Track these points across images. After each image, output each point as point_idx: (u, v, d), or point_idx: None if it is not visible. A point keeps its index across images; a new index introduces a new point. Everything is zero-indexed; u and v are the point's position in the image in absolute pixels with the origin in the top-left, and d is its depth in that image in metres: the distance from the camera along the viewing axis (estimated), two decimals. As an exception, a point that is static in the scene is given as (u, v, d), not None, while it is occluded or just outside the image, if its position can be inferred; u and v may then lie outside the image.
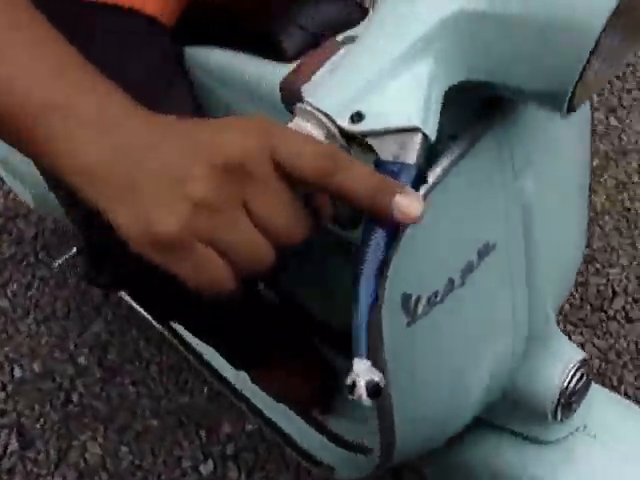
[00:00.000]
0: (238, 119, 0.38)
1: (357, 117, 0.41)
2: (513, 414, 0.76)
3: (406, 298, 0.55)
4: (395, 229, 0.37)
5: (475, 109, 0.52)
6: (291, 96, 0.45)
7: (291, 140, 0.37)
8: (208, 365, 1.19)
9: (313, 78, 0.44)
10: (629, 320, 1.31)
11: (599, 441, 0.77)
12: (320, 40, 0.62)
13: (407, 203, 0.36)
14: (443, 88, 0.43)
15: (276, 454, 1.21)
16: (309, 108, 0.41)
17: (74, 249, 1.21)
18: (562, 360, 0.70)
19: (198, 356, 1.21)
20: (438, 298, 0.56)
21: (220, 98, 0.71)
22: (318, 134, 0.41)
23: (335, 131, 0.41)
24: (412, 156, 0.39)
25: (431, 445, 0.74)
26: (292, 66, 0.61)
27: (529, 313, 0.66)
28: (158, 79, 0.67)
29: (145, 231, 0.36)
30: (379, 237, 0.37)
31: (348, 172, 0.36)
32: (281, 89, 0.45)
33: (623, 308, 1.32)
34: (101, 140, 0.38)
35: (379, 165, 0.39)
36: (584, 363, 0.72)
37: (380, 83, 0.41)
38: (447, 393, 0.66)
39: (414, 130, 0.40)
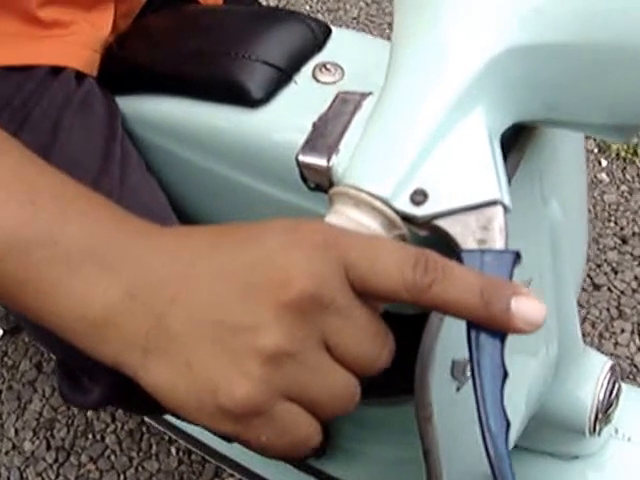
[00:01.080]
0: (284, 232, 0.29)
1: (420, 197, 0.32)
2: (545, 435, 0.71)
3: (455, 364, 0.48)
4: (503, 336, 0.29)
5: (507, 138, 0.44)
6: (318, 175, 0.35)
7: (367, 250, 0.28)
8: (175, 428, 1.09)
9: (342, 149, 0.35)
10: (596, 287, 1.29)
11: (634, 443, 0.73)
12: (290, 74, 0.53)
13: (529, 306, 0.28)
14: (499, 139, 0.35)
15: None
16: (355, 193, 0.32)
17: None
18: (593, 374, 0.66)
19: (162, 420, 1.10)
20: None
21: (167, 153, 0.60)
22: (372, 225, 0.32)
23: (395, 218, 0.32)
24: (501, 238, 0.31)
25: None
26: (265, 113, 0.52)
27: (559, 335, 0.61)
28: (100, 139, 0.56)
29: (206, 402, 0.27)
30: (493, 350, 0.29)
31: (448, 279, 0.28)
32: (300, 164, 0.36)
33: (588, 275, 1.30)
34: (108, 278, 0.29)
35: (464, 258, 0.31)
36: (614, 370, 0.67)
37: (434, 148, 0.33)
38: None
39: (493, 204, 0.31)
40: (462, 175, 0.32)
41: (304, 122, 0.52)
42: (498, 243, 0.31)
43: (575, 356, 0.64)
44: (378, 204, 0.32)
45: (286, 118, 0.52)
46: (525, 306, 0.28)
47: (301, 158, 0.36)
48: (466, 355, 0.49)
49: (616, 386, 0.67)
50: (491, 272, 0.30)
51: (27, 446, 1.21)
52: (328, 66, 0.53)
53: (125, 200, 0.55)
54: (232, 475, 1.14)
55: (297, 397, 0.27)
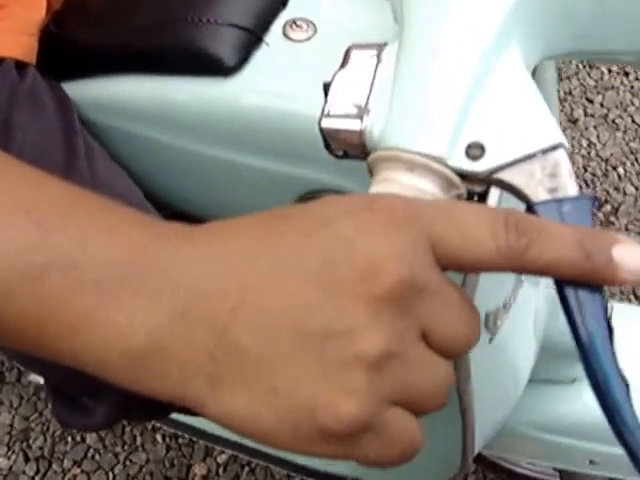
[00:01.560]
0: (355, 212, 0.25)
1: (476, 150, 0.29)
2: (546, 365, 0.72)
3: (487, 316, 0.46)
4: (601, 290, 0.27)
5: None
6: (348, 141, 0.32)
7: (452, 219, 0.25)
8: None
9: (372, 109, 0.32)
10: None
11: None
12: (260, 36, 0.49)
13: (631, 254, 0.26)
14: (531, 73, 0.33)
15: (260, 472, 1.11)
16: (409, 156, 0.29)
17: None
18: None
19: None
20: (506, 307, 0.49)
21: (131, 137, 0.55)
22: (431, 188, 0.29)
23: (454, 178, 0.30)
24: (572, 184, 0.29)
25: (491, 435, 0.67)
26: (240, 80, 0.48)
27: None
28: (58, 133, 0.51)
29: (303, 427, 0.24)
30: (596, 307, 0.27)
31: (545, 238, 0.25)
32: (324, 131, 0.32)
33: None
34: (149, 299, 0.25)
35: (538, 210, 0.28)
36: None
37: (478, 94, 0.30)
38: (513, 389, 0.60)
39: (556, 147, 0.29)
40: (517, 120, 0.30)
41: (283, 85, 0.49)
42: (571, 189, 0.28)
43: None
44: (435, 165, 0.29)
45: (263, 83, 0.49)
46: (627, 254, 0.26)
47: (325, 124, 0.32)
48: (496, 305, 0.48)
49: (609, 306, 0.68)
50: (573, 222, 0.28)
51: (3, 463, 1.15)
52: (299, 22, 0.49)
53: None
54: (223, 452, 1.12)
55: (402, 399, 0.25)
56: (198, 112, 0.51)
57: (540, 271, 0.26)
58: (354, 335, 0.24)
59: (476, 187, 0.31)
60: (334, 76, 0.34)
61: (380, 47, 0.34)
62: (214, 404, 0.24)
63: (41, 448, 1.16)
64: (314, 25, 0.49)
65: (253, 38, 0.48)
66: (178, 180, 0.58)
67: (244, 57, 0.48)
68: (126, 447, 1.15)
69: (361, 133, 0.32)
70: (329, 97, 0.33)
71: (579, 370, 0.72)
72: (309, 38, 0.48)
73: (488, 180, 0.30)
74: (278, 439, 0.24)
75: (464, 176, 0.30)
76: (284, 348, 0.24)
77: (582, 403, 0.75)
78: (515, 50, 0.32)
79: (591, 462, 0.78)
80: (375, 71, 0.33)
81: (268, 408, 0.24)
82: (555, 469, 0.98)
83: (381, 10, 0.48)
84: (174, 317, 0.24)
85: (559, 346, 0.68)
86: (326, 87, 0.35)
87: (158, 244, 0.26)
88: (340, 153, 0.34)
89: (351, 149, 0.33)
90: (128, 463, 1.14)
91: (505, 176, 0.29)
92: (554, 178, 0.29)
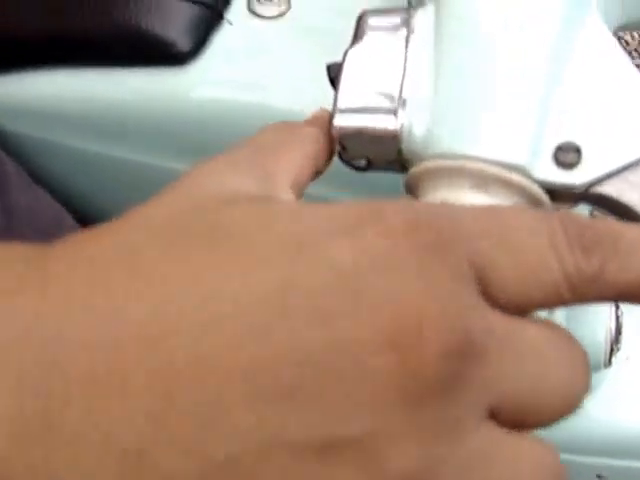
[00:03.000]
0: (358, 233, 0.15)
1: (570, 155, 0.20)
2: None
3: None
4: None
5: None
6: (376, 146, 0.22)
7: (500, 235, 0.16)
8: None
9: (409, 100, 0.22)
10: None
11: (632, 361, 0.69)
12: (221, 12, 0.39)
13: None
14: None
15: None
16: (481, 166, 0.20)
17: None
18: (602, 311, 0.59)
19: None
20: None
21: (52, 146, 0.45)
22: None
23: (540, 194, 0.21)
24: None
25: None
26: (196, 69, 0.38)
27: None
28: None
29: None
30: None
31: (621, 253, 0.17)
32: (341, 133, 0.22)
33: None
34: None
35: None
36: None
37: (562, 79, 0.21)
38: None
39: None
40: (619, 111, 0.21)
41: (251, 74, 0.39)
42: None
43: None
44: (517, 177, 0.20)
45: (226, 72, 0.39)
46: None
47: (341, 122, 0.23)
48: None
49: (619, 312, 0.62)
50: None
51: None
52: (267, -7, 0.39)
53: (17, 230, 0.40)
54: None
55: None
56: (143, 114, 0.40)
57: (615, 298, 0.17)
58: (372, 446, 0.14)
59: (564, 205, 0.22)
60: (346, 54, 0.24)
61: (408, 12, 0.24)
62: None
63: None
64: (287, -3, 0.39)
65: (212, 15, 0.38)
66: (120, 198, 0.47)
67: (201, 40, 0.38)
68: None
69: (396, 134, 0.22)
70: (341, 84, 0.23)
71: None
72: (282, 14, 0.39)
73: (585, 196, 0.21)
74: None
75: (551, 191, 0.21)
76: (272, 465, 0.14)
77: (587, 418, 0.69)
78: (597, 17, 0.23)
79: (598, 476, 0.74)
80: (407, 45, 0.23)
81: None
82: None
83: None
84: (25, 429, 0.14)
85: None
86: (332, 71, 0.25)
87: None
88: (362, 164, 0.24)
89: (379, 157, 0.23)
90: None
91: (609, 190, 0.20)
92: None
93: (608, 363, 0.61)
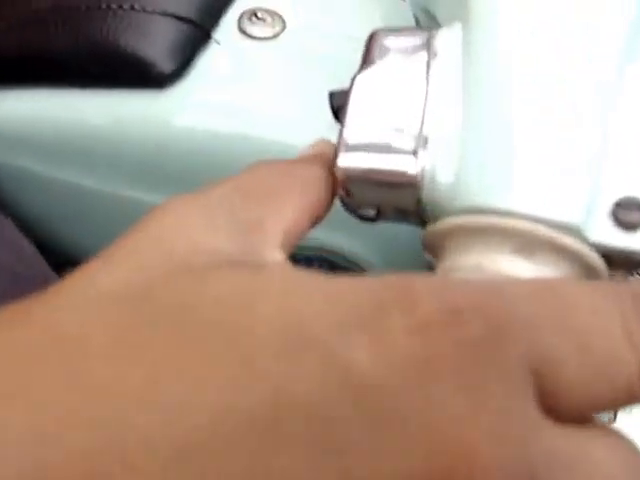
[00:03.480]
0: (365, 313, 0.12)
1: (634, 214, 0.16)
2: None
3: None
4: None
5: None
6: (390, 193, 0.18)
7: (560, 323, 0.13)
8: None
9: (431, 138, 0.18)
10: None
11: None
12: (208, 31, 0.35)
13: None
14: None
15: None
16: (525, 226, 0.16)
17: None
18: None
19: None
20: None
21: (22, 175, 0.40)
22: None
23: (597, 262, 0.17)
24: None
25: None
26: (177, 94, 0.34)
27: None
28: None
29: None
30: None
31: None
32: (345, 175, 0.18)
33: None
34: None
35: None
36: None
37: (615, 122, 0.17)
38: None
39: None
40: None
41: (240, 100, 0.36)
42: None
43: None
44: (570, 241, 0.16)
45: (212, 97, 0.35)
46: None
47: (346, 162, 0.19)
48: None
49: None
50: None
51: None
52: (260, 14, 0.36)
53: None
54: None
55: None
56: (118, 140, 0.36)
57: None
58: None
59: (617, 272, 0.18)
60: (354, 79, 0.20)
61: (430, 33, 0.20)
62: None
63: None
64: (282, 18, 0.35)
65: (199, 34, 0.34)
66: (89, 231, 0.43)
67: (185, 61, 0.34)
68: None
69: (416, 180, 0.18)
70: (348, 116, 0.19)
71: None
72: (276, 35, 0.35)
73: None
74: None
75: (606, 255, 0.17)
76: None
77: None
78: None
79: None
80: (428, 71, 0.19)
81: None
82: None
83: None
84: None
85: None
86: (337, 99, 0.21)
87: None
88: (371, 214, 0.20)
89: (393, 207, 0.19)
90: None
91: None
92: None
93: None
